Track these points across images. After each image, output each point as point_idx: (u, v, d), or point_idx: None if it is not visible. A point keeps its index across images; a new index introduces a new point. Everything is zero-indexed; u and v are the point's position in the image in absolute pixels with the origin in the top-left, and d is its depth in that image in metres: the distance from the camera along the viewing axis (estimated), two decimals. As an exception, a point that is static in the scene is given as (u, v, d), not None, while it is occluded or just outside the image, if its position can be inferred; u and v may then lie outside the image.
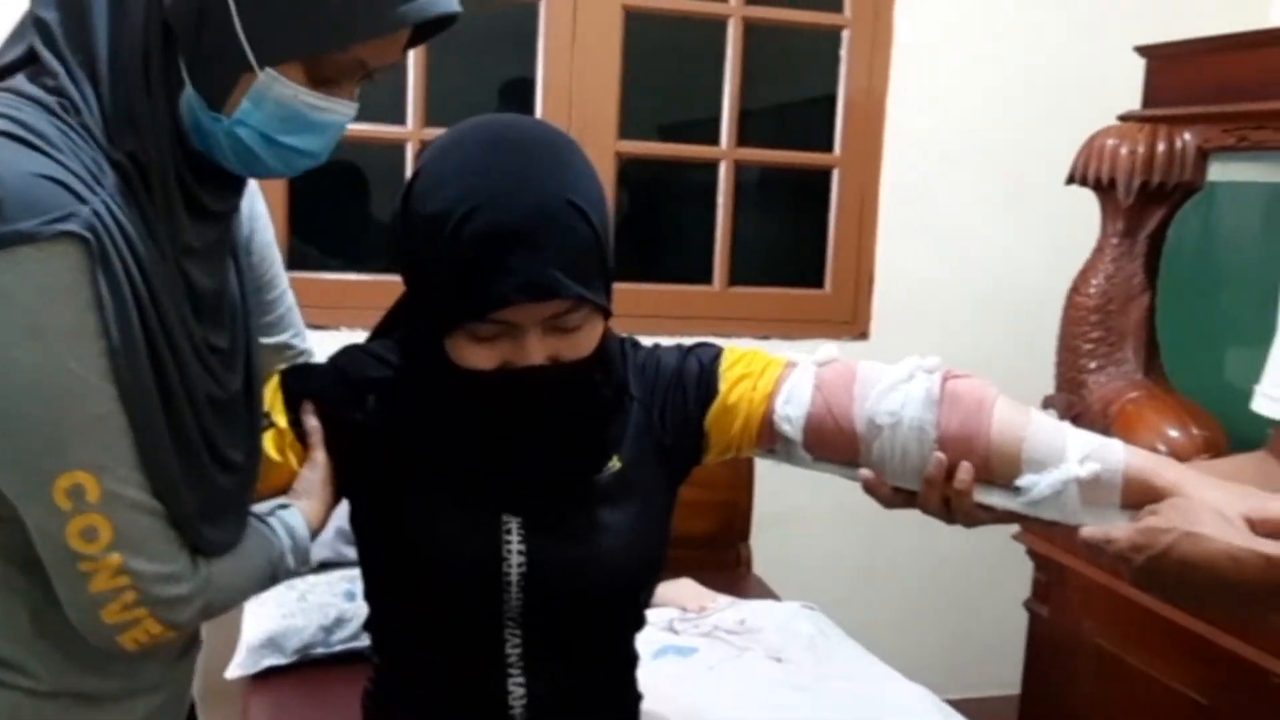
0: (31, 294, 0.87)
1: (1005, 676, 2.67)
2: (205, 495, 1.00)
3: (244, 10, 0.92)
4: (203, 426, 0.99)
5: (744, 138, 2.88)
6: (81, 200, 0.88)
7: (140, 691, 1.08)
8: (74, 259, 0.87)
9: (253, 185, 1.22)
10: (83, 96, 0.93)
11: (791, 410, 1.15)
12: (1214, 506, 1.00)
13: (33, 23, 0.96)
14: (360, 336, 1.29)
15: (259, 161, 1.00)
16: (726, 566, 2.65)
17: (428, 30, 1.04)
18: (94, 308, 0.89)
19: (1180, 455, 1.95)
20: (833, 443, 1.15)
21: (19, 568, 0.96)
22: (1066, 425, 1.13)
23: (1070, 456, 1.08)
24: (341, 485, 1.17)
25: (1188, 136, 2.17)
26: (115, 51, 0.94)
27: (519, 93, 2.79)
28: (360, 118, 2.95)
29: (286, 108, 0.96)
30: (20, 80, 0.94)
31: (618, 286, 2.94)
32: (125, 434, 0.92)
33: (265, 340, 1.24)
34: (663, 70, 2.93)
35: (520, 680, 1.15)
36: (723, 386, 1.18)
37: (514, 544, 1.12)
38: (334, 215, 2.88)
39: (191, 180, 0.99)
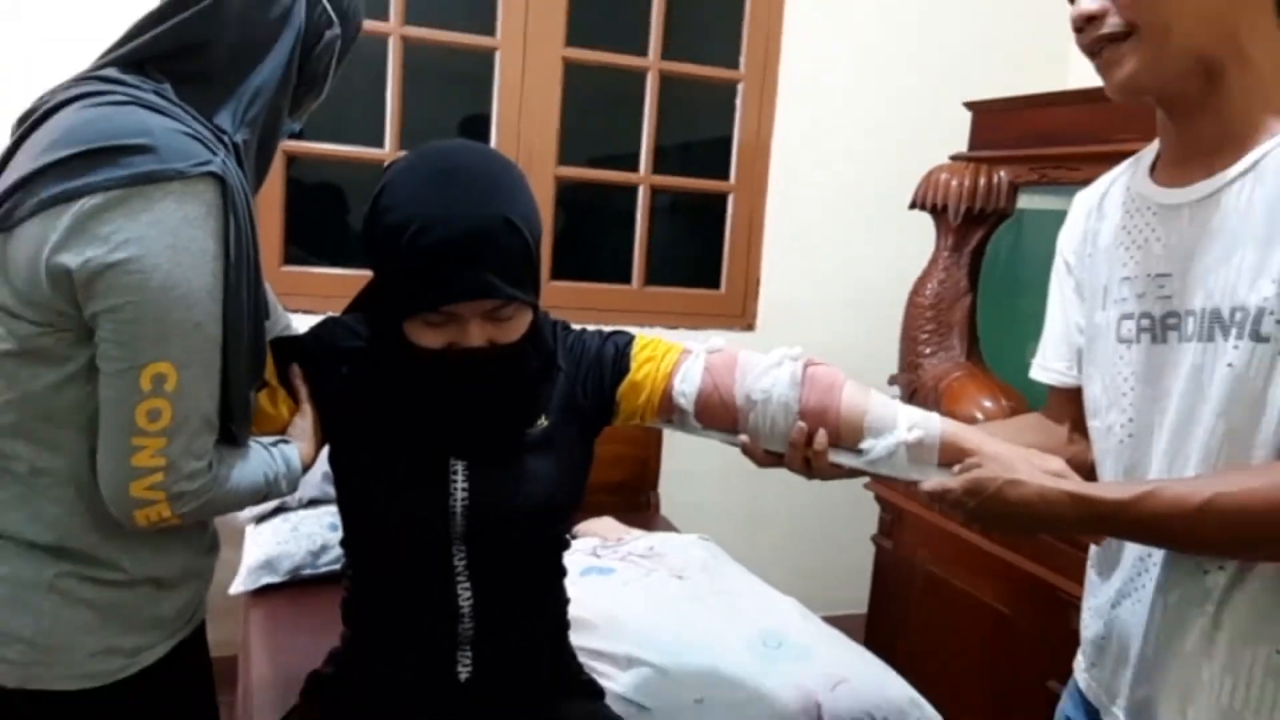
0: (178, 218, 0.90)
1: (856, 598, 2.71)
2: (243, 390, 1.03)
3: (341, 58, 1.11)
4: (256, 333, 1.03)
5: (658, 168, 2.89)
6: (213, 153, 0.93)
7: (190, 577, 1.09)
8: (211, 195, 0.93)
9: None
10: (212, 91, 1.00)
11: (686, 387, 1.17)
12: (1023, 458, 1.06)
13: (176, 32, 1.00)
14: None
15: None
16: (640, 509, 2.66)
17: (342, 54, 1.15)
18: (219, 236, 0.93)
19: (991, 416, 2.02)
20: (717, 414, 1.17)
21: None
22: (898, 402, 1.17)
23: (900, 425, 1.12)
24: (321, 432, 1.16)
25: (1002, 174, 2.23)
26: (267, 79, 1.03)
27: (476, 127, 2.77)
28: (345, 140, 2.91)
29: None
30: (113, 71, 0.97)
31: (556, 284, 2.94)
32: (212, 345, 0.95)
33: None
34: (594, 112, 2.92)
35: (467, 586, 1.15)
36: (633, 366, 1.19)
37: (459, 481, 1.13)
38: (320, 225, 2.83)
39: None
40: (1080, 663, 1.21)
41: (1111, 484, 1.04)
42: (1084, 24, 1.01)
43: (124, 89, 0.94)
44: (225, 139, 0.98)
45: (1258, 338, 0.93)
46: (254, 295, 1.00)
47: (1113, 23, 0.99)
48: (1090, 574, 1.20)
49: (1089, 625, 1.18)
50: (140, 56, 0.98)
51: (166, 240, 0.89)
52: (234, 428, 1.03)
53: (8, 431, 0.96)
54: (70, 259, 0.88)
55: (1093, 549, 1.19)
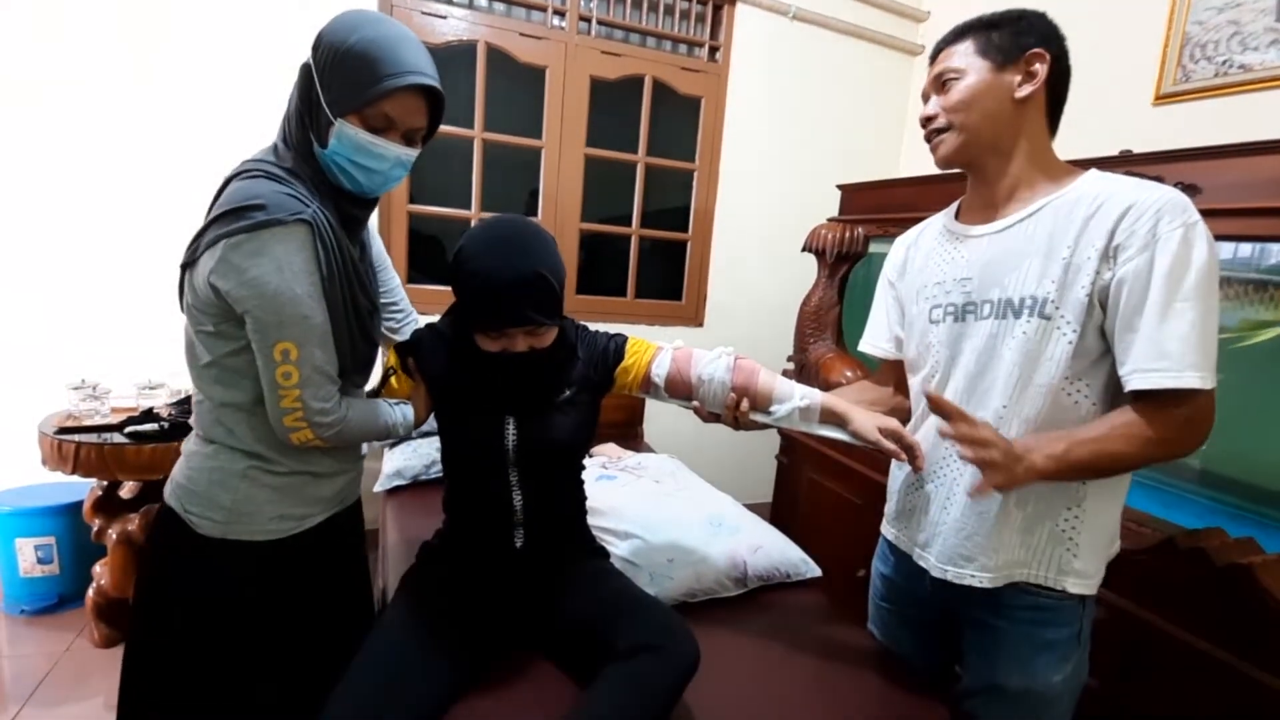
0: (281, 250, 0.87)
1: (765, 493, 2.72)
2: (356, 358, 0.99)
3: (323, 89, 0.90)
4: (359, 322, 0.98)
5: (644, 224, 2.84)
6: (306, 205, 0.89)
7: (340, 472, 1.05)
8: (304, 234, 0.88)
9: (377, 243, 1.17)
10: (293, 162, 0.93)
11: (659, 371, 1.14)
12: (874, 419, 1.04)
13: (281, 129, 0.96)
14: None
15: (352, 178, 0.95)
16: (632, 438, 2.63)
17: (436, 107, 0.96)
18: (314, 259, 0.89)
19: (849, 382, 1.99)
20: (679, 389, 1.14)
21: (263, 406, 0.94)
22: (794, 382, 1.14)
23: (796, 396, 1.09)
24: (430, 399, 1.13)
25: (860, 230, 2.20)
26: (287, 137, 0.94)
27: (533, 195, 2.71)
28: (448, 205, 2.85)
29: (353, 142, 0.92)
30: (264, 151, 0.95)
31: (580, 297, 2.86)
32: (319, 329, 0.91)
33: (384, 299, 1.20)
34: (603, 188, 2.87)
35: (518, 492, 1.13)
36: (625, 356, 1.16)
37: (511, 429, 1.10)
38: (429, 257, 2.78)
39: (336, 198, 0.95)
40: (887, 527, 1.20)
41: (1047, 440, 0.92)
42: (925, 122, 1.00)
43: (259, 166, 0.91)
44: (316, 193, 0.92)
45: (1043, 316, 0.93)
46: (350, 294, 0.95)
47: (940, 121, 0.98)
48: (893, 469, 1.18)
49: (895, 500, 1.17)
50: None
51: (274, 264, 0.86)
52: (358, 380, 1.01)
53: (211, 380, 0.95)
54: (218, 280, 0.87)
55: (894, 463, 1.17)
